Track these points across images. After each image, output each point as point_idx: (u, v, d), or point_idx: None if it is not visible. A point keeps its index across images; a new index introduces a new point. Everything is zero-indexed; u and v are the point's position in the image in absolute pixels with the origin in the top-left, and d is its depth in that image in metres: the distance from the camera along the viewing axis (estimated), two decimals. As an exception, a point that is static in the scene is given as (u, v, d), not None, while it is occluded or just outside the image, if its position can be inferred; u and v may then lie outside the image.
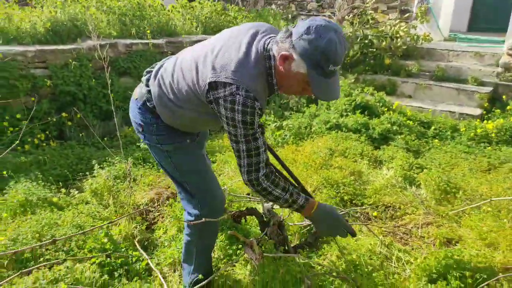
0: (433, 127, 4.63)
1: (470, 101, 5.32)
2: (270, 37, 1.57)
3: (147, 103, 1.78)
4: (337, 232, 1.81)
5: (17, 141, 2.72)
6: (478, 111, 5.07)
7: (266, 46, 1.53)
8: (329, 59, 1.39)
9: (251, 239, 2.03)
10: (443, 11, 7.61)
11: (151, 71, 1.84)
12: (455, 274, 2.03)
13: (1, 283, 1.55)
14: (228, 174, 3.52)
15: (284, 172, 2.16)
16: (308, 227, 2.32)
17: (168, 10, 6.26)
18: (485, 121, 4.62)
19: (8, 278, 1.72)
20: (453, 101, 5.46)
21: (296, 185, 2.12)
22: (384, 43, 6.07)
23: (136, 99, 1.84)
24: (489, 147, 4.16)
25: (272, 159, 2.18)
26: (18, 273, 1.59)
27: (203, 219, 1.70)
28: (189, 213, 1.89)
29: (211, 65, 1.52)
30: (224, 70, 1.48)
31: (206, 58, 1.58)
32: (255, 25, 1.66)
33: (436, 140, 4.38)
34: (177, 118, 1.73)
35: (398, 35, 6.05)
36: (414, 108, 5.31)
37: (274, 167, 2.12)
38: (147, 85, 1.80)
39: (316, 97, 1.49)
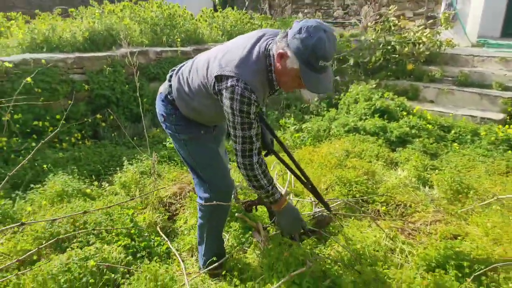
0: (453, 131, 4.64)
1: (493, 106, 5.28)
2: (273, 39, 1.78)
3: (168, 96, 2.06)
4: (294, 230, 2.08)
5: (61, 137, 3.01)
6: (500, 116, 5.04)
7: (267, 46, 1.75)
8: (318, 56, 1.58)
9: (257, 222, 2.21)
10: (470, 17, 7.54)
11: (175, 69, 2.14)
12: (453, 264, 2.13)
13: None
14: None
15: (298, 172, 2.33)
16: (312, 217, 2.48)
17: (196, 20, 6.59)
18: (506, 126, 4.59)
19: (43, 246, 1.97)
20: (475, 106, 5.43)
21: (306, 182, 2.30)
22: (406, 49, 6.12)
23: (161, 93, 2.13)
24: (510, 151, 4.15)
25: (287, 159, 2.36)
26: (55, 238, 1.83)
27: (214, 202, 1.91)
28: (200, 197, 2.12)
29: (218, 62, 1.77)
30: (228, 65, 1.72)
31: (216, 57, 1.83)
32: (264, 30, 1.89)
33: (456, 144, 4.40)
34: (190, 110, 1.98)
35: (420, 41, 6.09)
36: (435, 113, 5.33)
37: (288, 167, 2.31)
38: (170, 81, 2.09)
39: (308, 90, 1.68)
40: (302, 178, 2.31)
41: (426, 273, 2.13)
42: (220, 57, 1.79)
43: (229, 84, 1.69)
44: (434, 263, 2.18)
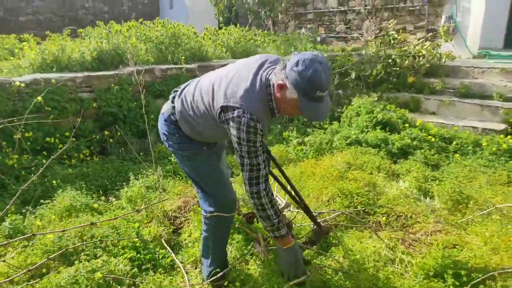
0: (454, 142, 4.68)
1: (494, 117, 5.33)
2: (273, 68, 1.89)
3: (171, 117, 2.14)
4: (290, 274, 2.08)
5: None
6: (502, 126, 5.08)
7: (267, 76, 1.85)
8: (315, 87, 1.68)
9: (258, 233, 2.28)
10: (470, 29, 7.65)
11: (177, 90, 2.21)
12: (451, 273, 2.17)
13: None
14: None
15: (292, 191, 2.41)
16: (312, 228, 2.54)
17: (201, 38, 6.77)
18: (508, 136, 4.63)
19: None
20: (477, 117, 5.48)
21: (299, 201, 2.37)
22: (406, 62, 6.23)
23: (163, 113, 2.21)
24: (511, 161, 4.17)
25: (280, 176, 2.45)
26: (64, 250, 1.91)
27: (217, 214, 1.99)
28: (205, 211, 2.20)
29: (223, 92, 1.86)
30: (233, 97, 1.82)
31: (221, 83, 1.91)
32: (264, 56, 1.99)
33: (457, 155, 4.44)
34: (196, 133, 2.08)
35: (420, 54, 6.20)
36: (436, 124, 5.38)
37: (283, 186, 2.39)
38: (173, 102, 2.17)
39: (307, 119, 1.78)
40: (295, 195, 2.38)
41: (425, 280, 2.17)
42: (224, 87, 1.87)
43: (235, 115, 1.78)
44: (432, 272, 2.22)
